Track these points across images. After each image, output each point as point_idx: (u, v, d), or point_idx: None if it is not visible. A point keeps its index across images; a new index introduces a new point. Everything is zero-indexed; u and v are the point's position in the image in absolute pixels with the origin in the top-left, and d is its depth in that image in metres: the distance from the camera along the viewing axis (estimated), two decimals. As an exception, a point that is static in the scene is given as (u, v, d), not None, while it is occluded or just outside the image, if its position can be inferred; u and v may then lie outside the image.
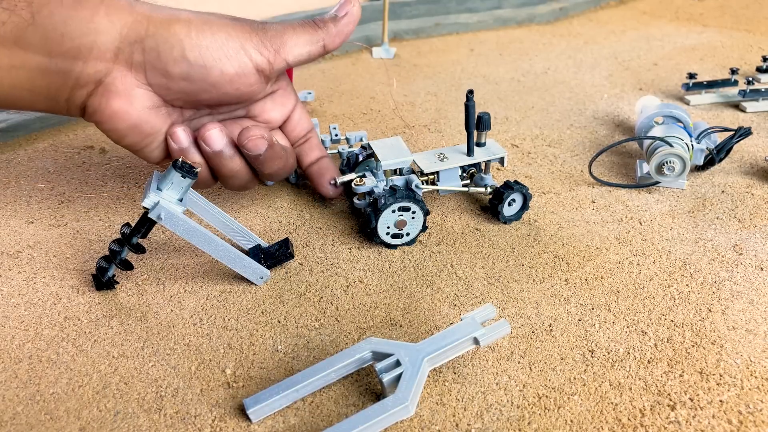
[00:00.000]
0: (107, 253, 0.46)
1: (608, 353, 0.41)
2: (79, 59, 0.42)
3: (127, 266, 0.45)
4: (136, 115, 0.44)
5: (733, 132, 0.62)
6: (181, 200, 0.43)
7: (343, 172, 0.60)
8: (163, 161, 0.49)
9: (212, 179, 0.49)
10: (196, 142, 0.47)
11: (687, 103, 0.79)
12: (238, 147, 0.47)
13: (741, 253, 0.50)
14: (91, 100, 0.44)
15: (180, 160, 0.41)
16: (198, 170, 0.42)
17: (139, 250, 0.44)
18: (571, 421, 0.36)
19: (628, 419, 0.36)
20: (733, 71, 0.78)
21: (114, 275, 0.46)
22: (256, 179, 0.51)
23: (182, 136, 0.46)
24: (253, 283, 0.47)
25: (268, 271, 0.47)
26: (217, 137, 0.46)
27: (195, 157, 0.47)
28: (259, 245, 0.50)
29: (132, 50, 0.43)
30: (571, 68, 0.91)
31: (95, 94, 0.44)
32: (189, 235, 0.43)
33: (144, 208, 0.41)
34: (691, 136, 0.60)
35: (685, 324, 0.43)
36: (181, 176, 0.41)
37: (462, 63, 0.93)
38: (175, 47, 0.43)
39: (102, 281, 0.45)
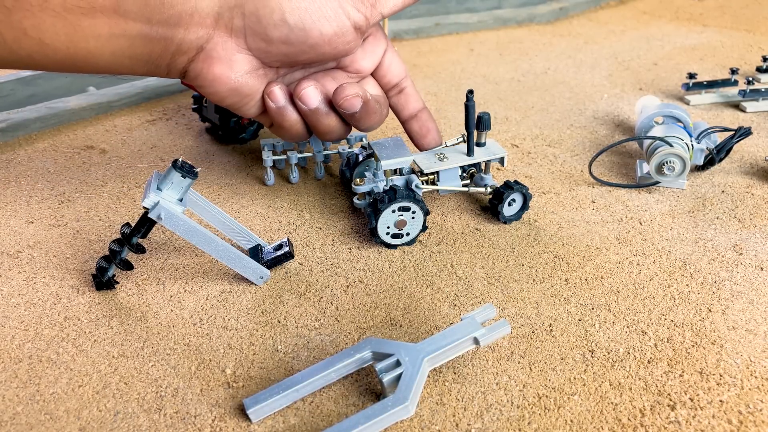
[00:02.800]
0: (107, 253, 0.46)
1: (608, 353, 0.41)
2: (180, 26, 0.42)
3: (127, 266, 0.45)
4: (236, 79, 0.45)
5: (733, 132, 0.62)
6: (181, 200, 0.43)
7: (343, 173, 0.60)
8: (260, 116, 0.50)
9: (307, 133, 0.50)
10: (292, 99, 0.47)
11: (687, 103, 0.79)
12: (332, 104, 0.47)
13: (741, 253, 0.50)
14: (192, 66, 0.44)
15: (180, 160, 0.41)
16: (198, 170, 0.42)
17: (139, 250, 0.44)
18: (571, 421, 0.36)
19: (628, 419, 0.36)
20: (733, 71, 0.78)
21: (114, 275, 0.46)
22: (350, 129, 0.51)
23: (279, 95, 0.47)
24: (253, 283, 0.47)
25: (268, 271, 0.47)
26: (312, 95, 0.46)
27: (292, 115, 0.47)
28: (259, 245, 0.50)
29: (232, 15, 0.43)
30: (571, 68, 0.91)
31: (196, 60, 0.44)
32: (189, 235, 0.43)
33: (144, 208, 0.41)
34: (691, 136, 0.60)
35: (685, 324, 0.43)
36: (181, 176, 0.41)
37: (462, 63, 0.93)
38: (275, 11, 0.43)
39: (102, 281, 0.45)
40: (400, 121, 0.54)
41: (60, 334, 0.42)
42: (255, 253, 0.49)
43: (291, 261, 0.49)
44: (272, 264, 0.48)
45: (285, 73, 0.49)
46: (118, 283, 0.47)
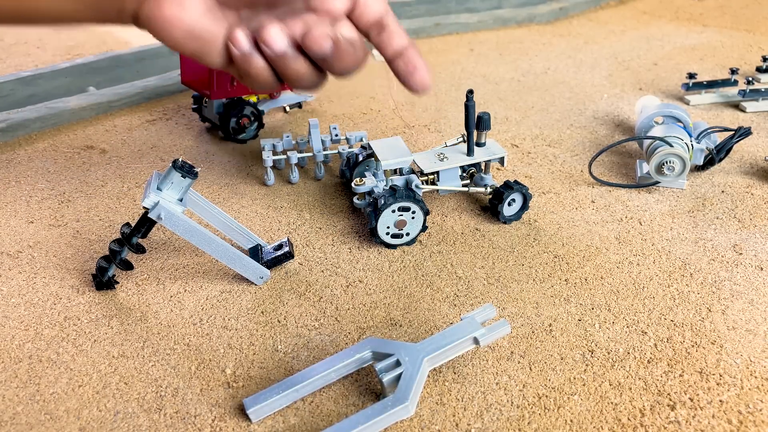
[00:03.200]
0: (107, 253, 0.46)
1: (608, 353, 0.41)
2: None
3: (127, 266, 0.45)
4: (190, 20, 0.42)
5: (733, 132, 0.62)
6: (181, 200, 0.43)
7: (343, 172, 0.60)
8: (228, 67, 0.46)
9: (277, 81, 0.47)
10: (257, 44, 0.46)
11: (687, 103, 0.79)
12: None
13: (741, 253, 0.50)
14: (143, 8, 0.42)
15: (180, 160, 0.41)
16: (198, 170, 0.42)
17: (139, 250, 0.44)
18: (571, 420, 0.36)
19: (628, 419, 0.36)
20: (733, 71, 0.78)
21: (114, 275, 0.46)
22: (326, 76, 0.49)
23: (243, 41, 0.44)
24: (253, 283, 0.47)
25: (268, 271, 0.47)
26: (277, 37, 0.44)
27: (259, 62, 0.44)
28: (259, 245, 0.50)
29: None
30: (571, 68, 0.91)
31: (146, 1, 0.42)
32: (189, 234, 0.43)
33: (144, 207, 0.41)
34: (691, 136, 0.60)
35: (685, 324, 0.43)
36: (181, 176, 0.41)
37: (462, 63, 0.93)
38: None
39: (102, 281, 0.45)
40: (387, 61, 0.51)
41: (60, 334, 0.42)
42: (255, 253, 0.49)
43: (291, 261, 0.49)
44: (272, 264, 0.48)
45: (248, 17, 0.46)
46: (118, 283, 0.47)
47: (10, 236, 0.52)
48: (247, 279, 0.47)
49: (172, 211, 0.41)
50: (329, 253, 0.51)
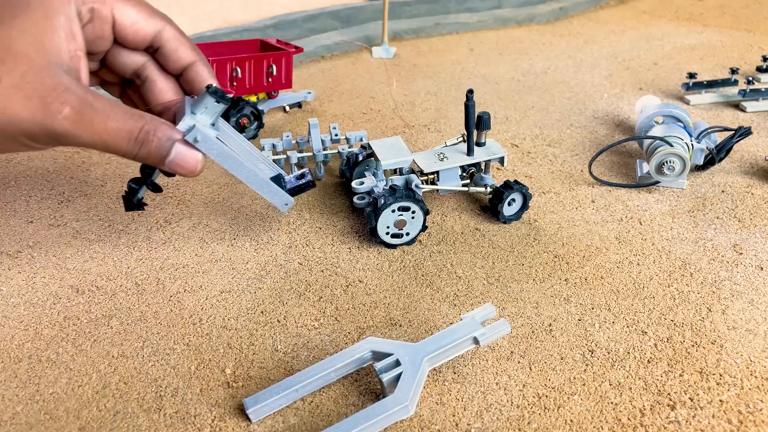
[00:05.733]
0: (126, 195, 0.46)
1: (608, 353, 0.41)
2: None
3: (156, 189, 0.46)
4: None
5: (733, 132, 0.62)
6: (213, 125, 0.43)
7: (343, 172, 0.60)
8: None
9: None
10: None
11: (687, 102, 0.79)
12: None
13: (741, 253, 0.50)
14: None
15: (213, 85, 0.41)
16: (230, 97, 0.42)
17: (156, 189, 0.45)
18: (571, 420, 0.36)
19: (628, 419, 0.36)
20: (733, 71, 0.78)
21: (143, 197, 0.46)
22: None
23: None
24: (254, 280, 0.47)
25: (292, 198, 0.48)
26: None
27: None
28: (281, 174, 0.50)
29: None
30: (571, 68, 0.91)
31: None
32: (222, 158, 0.43)
33: (180, 131, 0.41)
34: (691, 136, 0.60)
35: (685, 324, 0.43)
36: (215, 101, 0.41)
37: (462, 63, 0.93)
38: None
39: (132, 202, 0.46)
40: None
41: (59, 334, 0.42)
42: (277, 181, 0.49)
43: (291, 261, 0.49)
44: (295, 192, 0.49)
45: None
46: (147, 204, 0.47)
47: (9, 236, 0.52)
48: (246, 278, 0.47)
49: (207, 134, 0.41)
50: (329, 253, 0.51)
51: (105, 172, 0.62)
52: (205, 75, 0.45)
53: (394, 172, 0.53)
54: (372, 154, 0.56)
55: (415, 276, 0.48)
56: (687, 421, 0.36)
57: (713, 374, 0.39)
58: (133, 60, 0.44)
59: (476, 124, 0.53)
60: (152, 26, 0.43)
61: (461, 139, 0.56)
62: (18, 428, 0.36)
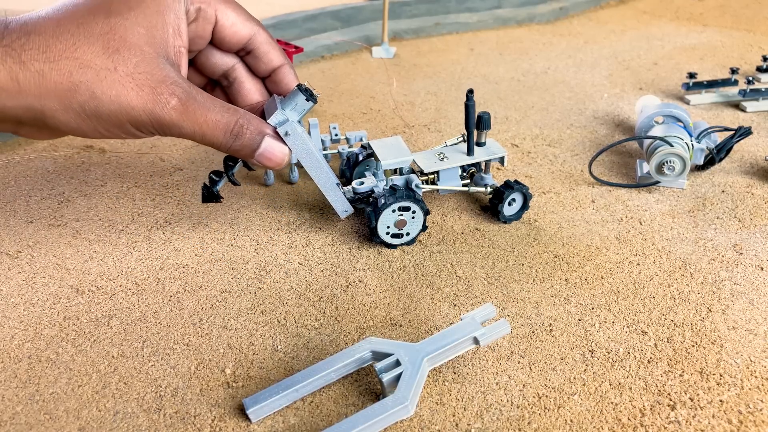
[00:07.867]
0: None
1: (608, 353, 0.41)
2: None
3: (235, 182, 0.48)
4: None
5: (733, 132, 0.62)
6: (299, 123, 0.44)
7: (342, 172, 0.60)
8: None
9: None
10: None
11: (687, 102, 0.79)
12: None
13: (741, 253, 0.50)
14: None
15: (304, 84, 0.43)
16: (318, 96, 0.44)
17: (235, 182, 0.48)
18: (571, 420, 0.36)
19: (628, 419, 0.36)
20: (733, 71, 0.78)
21: (219, 191, 0.48)
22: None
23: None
24: (254, 280, 0.47)
25: (353, 208, 0.50)
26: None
27: None
28: (339, 183, 0.50)
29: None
30: (571, 68, 0.91)
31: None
32: (305, 154, 0.45)
33: (271, 125, 0.43)
34: (691, 136, 0.60)
35: (685, 324, 0.43)
36: (306, 99, 0.43)
37: (462, 63, 0.93)
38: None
39: (212, 193, 0.48)
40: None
41: (59, 334, 0.42)
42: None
43: (291, 261, 0.49)
44: (355, 202, 0.51)
45: None
46: (223, 197, 0.49)
47: (9, 236, 0.52)
48: (245, 277, 0.47)
49: (297, 129, 0.43)
50: (329, 253, 0.51)
51: (105, 172, 0.62)
52: (291, 77, 0.47)
53: (394, 172, 0.53)
54: (372, 154, 0.56)
55: (415, 276, 0.48)
56: (687, 421, 0.36)
57: (713, 374, 0.39)
58: (225, 61, 0.46)
59: (476, 124, 0.53)
60: (248, 29, 0.45)
61: (461, 139, 0.56)
62: (18, 428, 0.36)
